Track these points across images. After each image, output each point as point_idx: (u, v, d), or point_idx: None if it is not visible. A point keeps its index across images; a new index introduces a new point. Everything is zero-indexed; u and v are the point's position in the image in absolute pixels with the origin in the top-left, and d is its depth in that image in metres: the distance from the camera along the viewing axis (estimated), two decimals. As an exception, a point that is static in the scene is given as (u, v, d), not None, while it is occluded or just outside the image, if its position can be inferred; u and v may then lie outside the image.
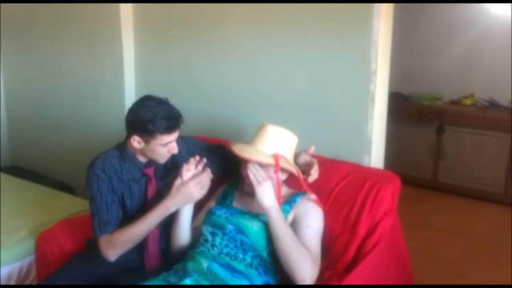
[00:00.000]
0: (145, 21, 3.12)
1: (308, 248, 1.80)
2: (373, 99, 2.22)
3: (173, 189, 1.92)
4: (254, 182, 1.81)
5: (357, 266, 1.81)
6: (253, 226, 1.87)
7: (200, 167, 1.97)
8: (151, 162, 2.03)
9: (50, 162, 3.91)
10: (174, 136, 1.94)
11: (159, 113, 1.88)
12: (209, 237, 1.93)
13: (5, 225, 2.58)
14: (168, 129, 1.90)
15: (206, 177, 1.95)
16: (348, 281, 1.75)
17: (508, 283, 2.97)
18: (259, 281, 1.82)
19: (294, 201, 1.95)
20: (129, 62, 3.19)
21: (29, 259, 2.42)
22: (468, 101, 4.62)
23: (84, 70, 3.45)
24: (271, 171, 1.93)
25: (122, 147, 2.05)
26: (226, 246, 1.88)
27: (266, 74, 2.62)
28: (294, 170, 1.97)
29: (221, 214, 1.96)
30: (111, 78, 3.27)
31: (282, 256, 1.78)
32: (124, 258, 2.01)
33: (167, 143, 1.93)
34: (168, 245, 2.07)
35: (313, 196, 2.00)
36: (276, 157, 1.92)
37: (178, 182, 1.93)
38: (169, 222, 2.06)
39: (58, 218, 2.55)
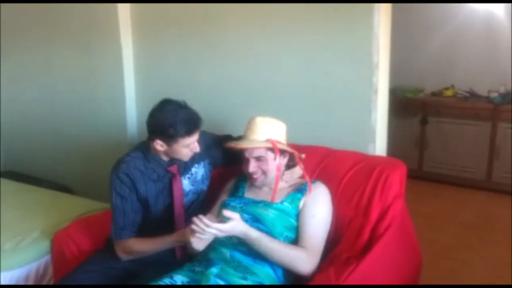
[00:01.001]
0: (143, 21, 3.14)
1: (310, 238, 1.91)
2: (376, 91, 2.31)
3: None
4: (218, 234, 1.77)
5: (373, 248, 1.91)
6: (268, 214, 1.96)
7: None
8: (174, 160, 2.10)
9: (46, 165, 3.91)
10: (195, 137, 2.01)
11: (179, 117, 1.95)
12: None
13: (18, 227, 2.60)
14: (189, 132, 1.97)
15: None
16: (366, 261, 1.85)
17: (496, 262, 3.14)
18: (280, 265, 1.91)
19: (305, 189, 2.05)
20: (129, 63, 3.21)
21: (45, 259, 2.44)
22: (448, 92, 4.80)
23: (82, 71, 3.45)
24: (270, 157, 2.01)
25: (145, 148, 2.10)
26: None
27: (268, 71, 2.67)
28: (291, 151, 2.06)
29: (235, 204, 2.04)
30: (111, 79, 3.28)
31: (276, 263, 1.88)
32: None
33: (189, 144, 2.01)
34: None
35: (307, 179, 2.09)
36: (271, 141, 2.00)
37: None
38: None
39: (69, 218, 2.60)
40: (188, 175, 2.16)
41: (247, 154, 2.02)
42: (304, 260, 1.86)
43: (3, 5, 3.80)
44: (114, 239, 2.06)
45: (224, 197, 2.18)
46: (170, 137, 1.96)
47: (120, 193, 2.04)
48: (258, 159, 2.01)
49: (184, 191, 2.15)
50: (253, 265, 1.89)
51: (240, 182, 2.20)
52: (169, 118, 1.95)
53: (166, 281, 1.86)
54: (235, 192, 2.17)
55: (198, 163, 2.20)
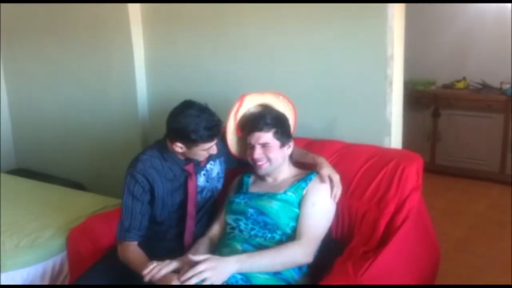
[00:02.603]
0: (154, 19, 3.14)
1: (307, 227, 1.91)
2: (390, 83, 2.29)
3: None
4: (209, 279, 1.70)
5: (391, 240, 1.89)
6: (273, 206, 1.96)
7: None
8: (190, 159, 2.09)
9: (58, 163, 3.93)
10: (215, 142, 2.01)
11: (201, 123, 1.92)
12: (234, 224, 2.02)
13: (33, 224, 2.62)
14: (210, 138, 1.97)
15: None
16: (384, 255, 1.83)
17: (510, 254, 3.12)
18: None
19: (310, 179, 2.04)
20: (140, 61, 3.21)
21: (61, 255, 2.45)
22: (460, 85, 4.76)
23: (93, 69, 3.46)
24: (276, 145, 2.03)
25: (162, 147, 2.10)
26: (252, 229, 1.97)
27: (281, 65, 2.66)
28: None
29: (240, 200, 2.05)
30: (122, 76, 3.29)
31: (281, 269, 1.86)
32: (162, 246, 2.11)
33: (209, 148, 2.01)
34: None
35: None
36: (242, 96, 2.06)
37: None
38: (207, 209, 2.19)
39: (84, 215, 2.61)
40: (203, 172, 2.17)
41: (253, 140, 2.02)
42: (300, 254, 1.86)
43: (14, 8, 3.82)
44: (118, 239, 2.06)
45: (230, 194, 2.19)
46: (191, 142, 1.95)
47: (133, 193, 2.03)
48: (264, 145, 2.01)
49: (199, 188, 2.15)
50: None
51: (244, 178, 2.21)
52: (192, 123, 1.92)
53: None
54: (240, 189, 2.17)
55: (214, 160, 2.21)
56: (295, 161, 2.19)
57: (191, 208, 2.13)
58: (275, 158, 2.03)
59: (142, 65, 3.24)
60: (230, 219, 2.05)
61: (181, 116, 1.95)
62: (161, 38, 3.17)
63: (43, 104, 3.93)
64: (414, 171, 2.09)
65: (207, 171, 2.18)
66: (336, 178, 2.03)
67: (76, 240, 2.35)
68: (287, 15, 2.58)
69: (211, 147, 2.01)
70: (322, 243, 1.98)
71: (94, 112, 3.56)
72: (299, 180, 2.05)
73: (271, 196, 2.01)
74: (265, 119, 2.03)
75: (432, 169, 4.71)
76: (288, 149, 2.09)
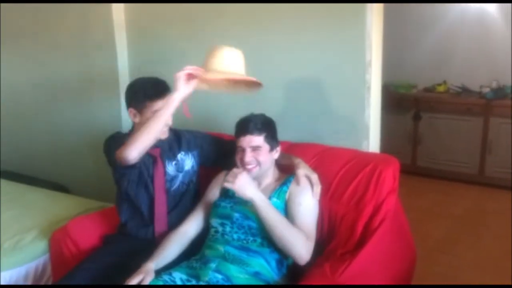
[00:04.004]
0: (138, 22, 3.16)
1: (300, 226, 1.94)
2: (369, 88, 2.35)
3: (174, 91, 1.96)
4: (229, 185, 1.91)
5: (368, 241, 1.94)
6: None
7: None
8: (156, 143, 2.08)
9: (42, 165, 3.92)
10: (163, 100, 2.05)
11: (147, 82, 2.11)
12: (219, 228, 2.05)
13: (16, 227, 2.63)
14: (157, 94, 2.07)
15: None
16: (361, 256, 1.89)
17: (489, 256, 3.19)
18: (272, 257, 1.96)
19: (289, 181, 2.09)
20: (123, 63, 3.23)
21: (44, 258, 2.47)
22: (441, 88, 4.84)
23: (78, 71, 3.46)
24: (266, 148, 2.05)
25: (131, 130, 2.18)
26: (236, 232, 2.01)
27: (262, 67, 2.62)
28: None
29: (226, 204, 2.08)
30: (106, 79, 3.29)
31: (276, 239, 1.91)
32: (134, 241, 2.15)
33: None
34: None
35: None
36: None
37: None
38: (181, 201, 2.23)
39: (67, 217, 2.61)
40: (174, 161, 2.21)
41: (245, 143, 2.04)
42: (303, 242, 1.90)
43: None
44: (115, 149, 1.97)
45: (214, 192, 2.20)
46: (140, 102, 2.07)
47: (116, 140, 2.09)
48: (255, 149, 2.04)
49: (169, 176, 2.19)
50: (247, 257, 1.94)
51: None
52: (139, 83, 2.14)
53: (166, 278, 1.88)
54: (226, 192, 2.17)
55: (186, 151, 2.26)
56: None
57: (159, 194, 2.17)
58: (264, 161, 2.06)
59: (126, 68, 3.26)
60: (215, 222, 2.08)
61: (132, 83, 2.17)
62: (146, 40, 3.19)
63: (29, 107, 3.92)
64: (390, 174, 2.14)
65: (178, 161, 2.22)
66: (314, 176, 2.08)
67: (59, 242, 2.37)
68: (268, 19, 2.62)
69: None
70: None
71: (79, 116, 3.56)
72: (281, 185, 2.09)
73: None
74: (256, 123, 2.06)
75: (413, 171, 4.80)
76: (276, 154, 2.13)
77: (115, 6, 3.14)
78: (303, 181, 2.05)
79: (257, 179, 2.09)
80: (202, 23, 2.90)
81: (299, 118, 2.58)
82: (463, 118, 4.60)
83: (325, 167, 2.26)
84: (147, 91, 2.08)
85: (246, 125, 2.06)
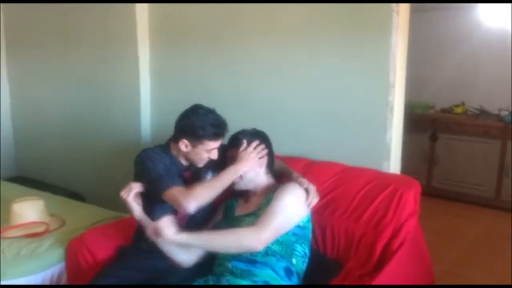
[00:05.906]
0: (160, 31, 3.19)
1: (262, 215, 1.94)
2: (391, 109, 2.34)
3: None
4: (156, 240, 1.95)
5: (387, 264, 1.93)
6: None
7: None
8: (190, 166, 2.15)
9: (58, 172, 3.95)
10: (219, 143, 2.10)
11: (208, 120, 2.06)
12: None
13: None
14: (216, 136, 2.07)
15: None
16: (380, 278, 1.87)
17: (505, 281, 3.13)
18: (280, 266, 1.95)
19: (277, 187, 2.09)
20: (145, 72, 3.26)
21: (60, 266, 2.46)
22: (459, 109, 4.82)
23: (97, 79, 3.50)
24: None
25: (164, 149, 2.17)
26: None
27: (284, 85, 2.71)
28: None
29: (222, 226, 2.10)
30: (126, 87, 3.33)
31: (223, 251, 1.98)
32: (155, 261, 2.11)
33: (212, 149, 2.08)
34: None
35: None
36: None
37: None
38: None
39: (83, 226, 2.63)
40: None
41: (228, 154, 2.14)
42: (250, 236, 1.89)
43: (20, 13, 3.86)
44: (168, 186, 1.99)
45: (218, 217, 2.25)
46: (197, 138, 2.06)
47: (156, 160, 2.07)
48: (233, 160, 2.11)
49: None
50: (254, 269, 1.93)
51: (230, 202, 2.26)
52: (200, 120, 2.06)
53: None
54: (227, 213, 2.22)
55: (213, 171, 2.25)
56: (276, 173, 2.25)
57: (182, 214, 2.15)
58: (245, 173, 2.10)
59: (146, 77, 3.29)
60: None
61: (190, 113, 2.10)
62: (167, 52, 3.21)
63: (46, 113, 3.96)
64: (411, 196, 2.13)
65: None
66: (312, 188, 2.08)
67: (76, 251, 2.37)
68: (292, 37, 2.63)
69: (214, 149, 2.09)
70: (315, 260, 2.04)
71: (97, 123, 3.59)
72: (268, 193, 2.09)
73: (249, 215, 2.07)
74: (245, 135, 2.16)
75: (428, 192, 4.71)
76: (261, 168, 2.16)
77: (139, 14, 3.18)
78: (302, 183, 2.07)
79: (250, 190, 2.16)
80: (223, 40, 2.93)
81: (320, 136, 2.58)
82: (480, 140, 4.57)
83: (344, 186, 2.27)
84: (207, 129, 2.05)
85: (231, 138, 2.19)
